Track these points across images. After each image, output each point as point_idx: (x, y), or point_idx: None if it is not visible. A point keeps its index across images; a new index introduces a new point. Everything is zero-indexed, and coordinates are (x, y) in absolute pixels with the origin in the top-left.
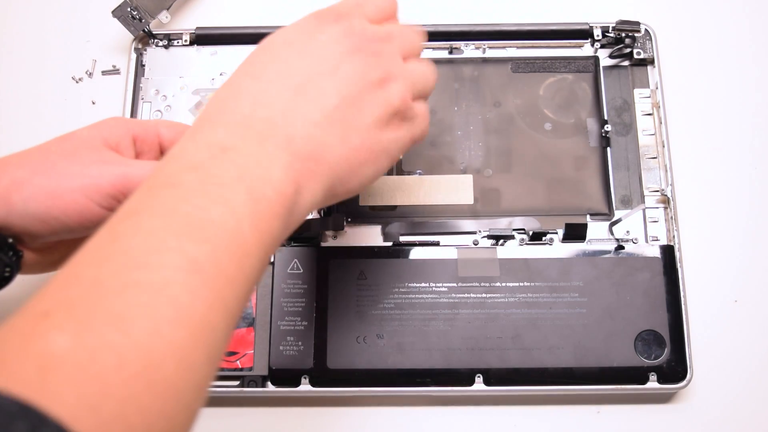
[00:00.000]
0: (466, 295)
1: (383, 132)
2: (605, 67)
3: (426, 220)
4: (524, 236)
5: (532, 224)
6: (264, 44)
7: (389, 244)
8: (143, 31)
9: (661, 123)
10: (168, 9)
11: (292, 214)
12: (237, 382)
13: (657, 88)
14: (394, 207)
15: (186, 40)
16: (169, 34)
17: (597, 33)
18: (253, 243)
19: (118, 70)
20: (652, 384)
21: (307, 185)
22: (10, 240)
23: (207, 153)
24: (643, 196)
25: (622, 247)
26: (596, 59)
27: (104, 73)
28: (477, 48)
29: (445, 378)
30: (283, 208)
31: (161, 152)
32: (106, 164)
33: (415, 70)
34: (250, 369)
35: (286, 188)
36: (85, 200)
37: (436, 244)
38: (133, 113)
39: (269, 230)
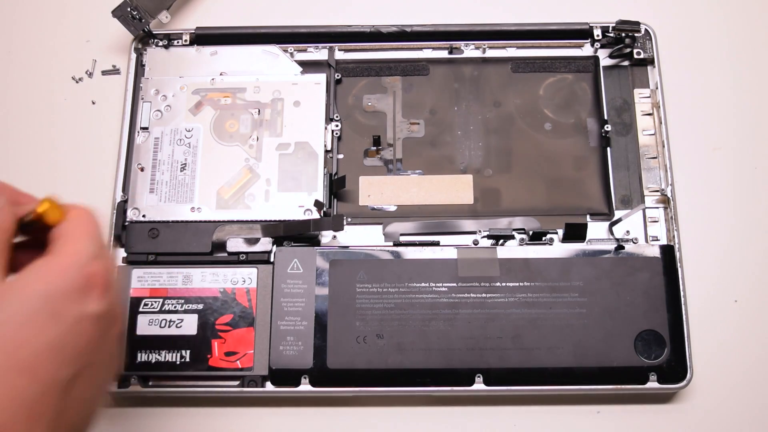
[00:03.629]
0: (466, 295)
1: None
2: (605, 67)
3: (426, 220)
4: (524, 236)
5: (532, 224)
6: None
7: (389, 244)
8: (143, 31)
9: (661, 123)
10: (168, 9)
11: None
12: (237, 382)
13: (657, 88)
14: (394, 207)
15: (186, 40)
16: (169, 34)
17: (597, 33)
18: None
19: (118, 70)
20: (652, 384)
21: None
22: None
23: None
24: (643, 196)
25: (622, 247)
26: (596, 59)
27: (104, 73)
28: (477, 48)
29: (445, 378)
30: None
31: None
32: None
33: None
34: (250, 369)
35: None
36: None
37: (436, 244)
38: (133, 113)
39: None
